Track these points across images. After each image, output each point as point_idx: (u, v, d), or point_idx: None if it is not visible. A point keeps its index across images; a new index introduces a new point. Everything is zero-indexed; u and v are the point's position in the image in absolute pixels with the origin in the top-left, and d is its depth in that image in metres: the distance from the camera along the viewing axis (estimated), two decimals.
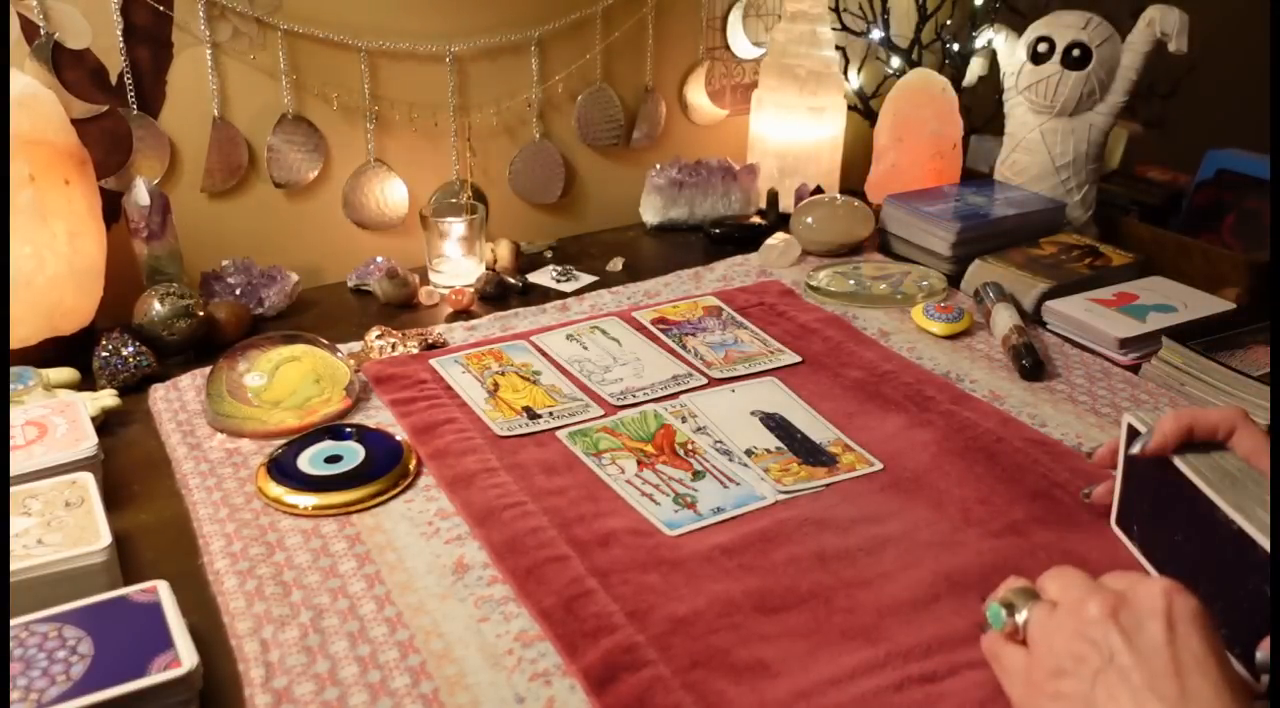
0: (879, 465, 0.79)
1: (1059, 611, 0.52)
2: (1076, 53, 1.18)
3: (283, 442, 0.80)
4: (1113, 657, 0.48)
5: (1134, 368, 0.96)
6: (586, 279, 1.15)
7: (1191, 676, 0.46)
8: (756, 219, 1.28)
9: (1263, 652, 0.52)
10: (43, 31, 0.97)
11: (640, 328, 1.01)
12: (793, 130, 1.31)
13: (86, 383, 0.89)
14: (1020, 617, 0.54)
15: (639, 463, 0.79)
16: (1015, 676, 0.53)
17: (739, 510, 0.74)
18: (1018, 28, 1.27)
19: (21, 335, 0.88)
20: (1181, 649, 0.47)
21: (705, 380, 0.92)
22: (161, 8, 1.01)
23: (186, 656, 0.55)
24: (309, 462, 0.77)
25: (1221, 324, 0.99)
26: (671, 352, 0.97)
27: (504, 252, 1.16)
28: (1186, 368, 0.91)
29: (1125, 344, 0.97)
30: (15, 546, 0.62)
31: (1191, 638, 0.47)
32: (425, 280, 1.12)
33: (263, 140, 1.11)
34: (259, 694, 0.57)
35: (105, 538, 0.63)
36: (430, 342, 0.97)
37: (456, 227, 1.11)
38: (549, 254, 1.22)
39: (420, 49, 1.15)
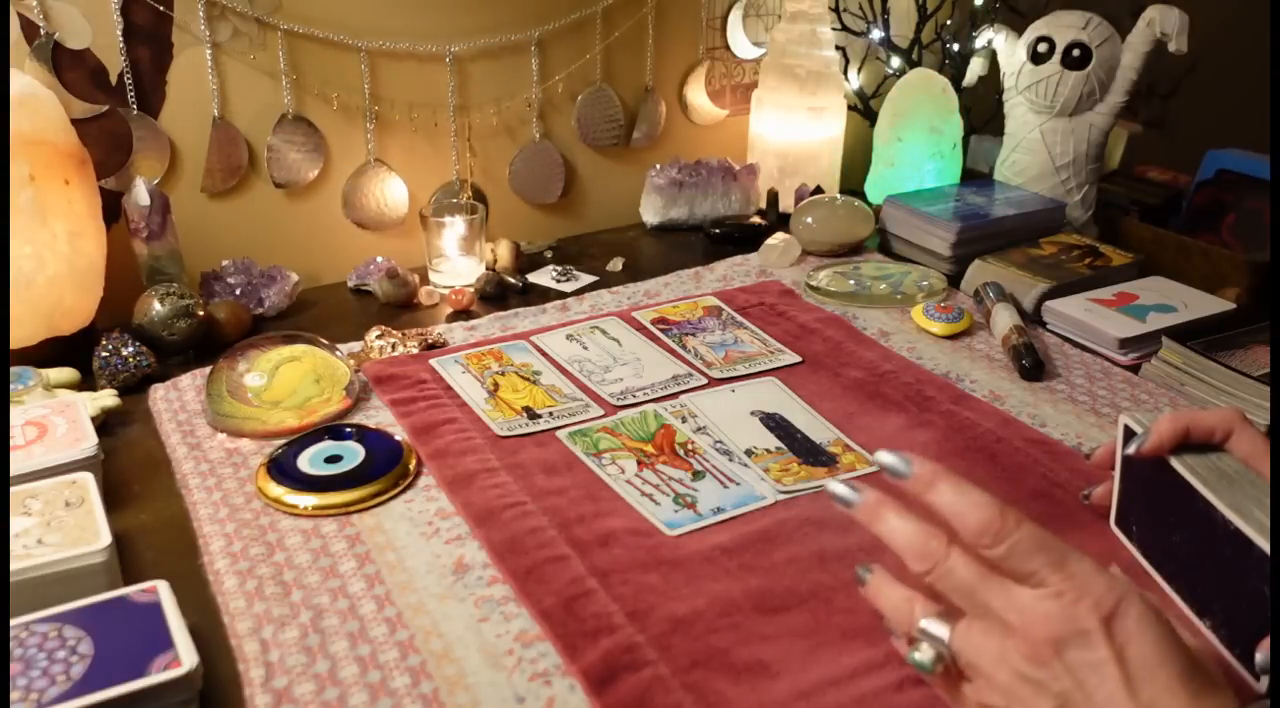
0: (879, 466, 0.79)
1: (986, 641, 0.49)
2: (1076, 53, 1.18)
3: (283, 442, 0.80)
4: (1066, 699, 0.46)
5: (1134, 368, 0.96)
6: (586, 279, 1.15)
7: (1143, 688, 0.45)
8: (756, 219, 1.28)
9: (1262, 652, 0.52)
10: (43, 31, 0.97)
11: (640, 328, 1.01)
12: (793, 130, 1.31)
13: (86, 383, 0.89)
14: (942, 649, 0.50)
15: (639, 463, 0.79)
16: None
17: (739, 510, 0.74)
18: (1018, 28, 1.27)
19: (21, 335, 0.88)
20: (1131, 665, 0.45)
21: (705, 380, 0.92)
22: (161, 8, 1.01)
23: (186, 656, 0.54)
24: (309, 462, 0.77)
25: (1221, 324, 0.99)
26: (671, 352, 0.97)
27: (504, 252, 1.16)
28: (1186, 368, 0.91)
29: (1125, 344, 0.97)
30: (15, 546, 0.62)
31: (1138, 646, 0.46)
32: (425, 280, 1.12)
33: (263, 140, 1.11)
34: (259, 694, 0.57)
35: (105, 538, 0.63)
36: (430, 342, 0.97)
37: (456, 227, 1.11)
38: (549, 254, 1.22)
39: (420, 49, 1.15)
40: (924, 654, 0.51)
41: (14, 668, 0.53)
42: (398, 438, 0.81)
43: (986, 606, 0.49)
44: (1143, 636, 0.46)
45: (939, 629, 0.51)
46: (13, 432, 0.74)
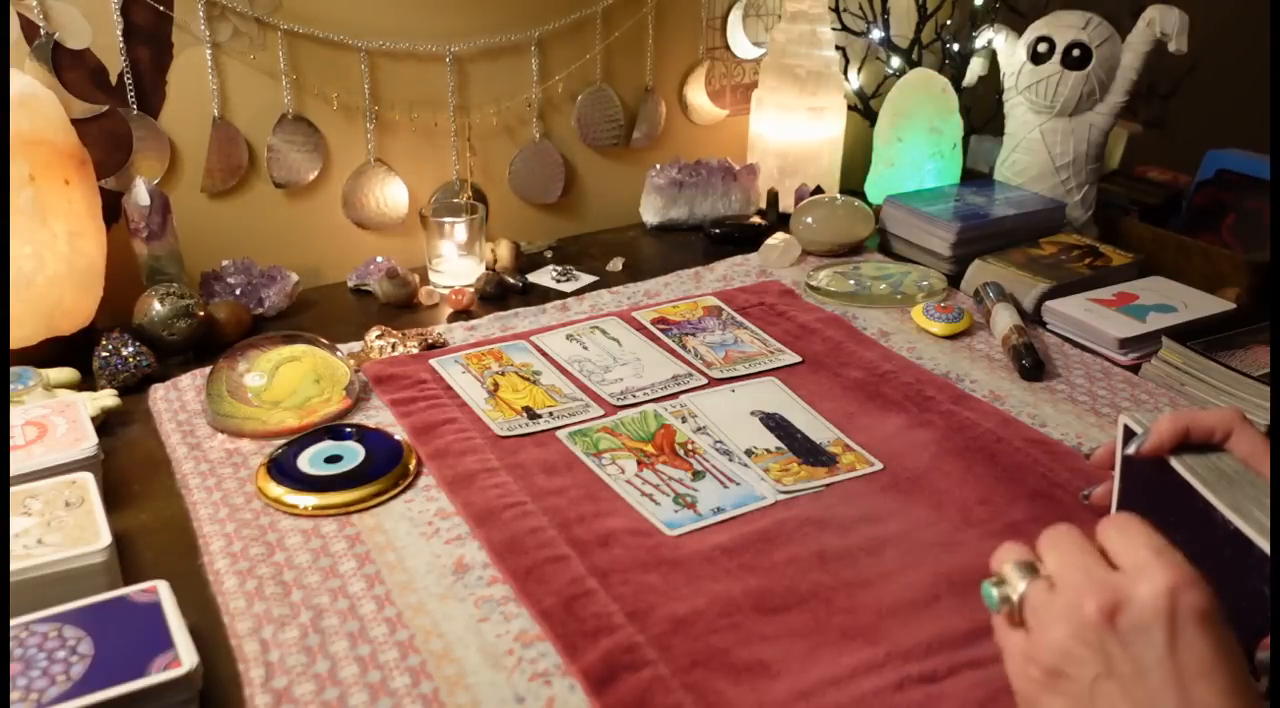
0: (879, 466, 0.79)
1: (1056, 598, 0.50)
2: (1076, 53, 1.18)
3: (283, 442, 0.80)
4: (1111, 666, 0.47)
5: (1134, 368, 0.96)
6: (586, 279, 1.15)
7: (1195, 685, 0.45)
8: (756, 219, 1.28)
9: (1262, 652, 0.52)
10: (43, 31, 0.97)
11: (640, 328, 1.01)
12: (793, 130, 1.31)
13: (86, 383, 0.89)
14: (1015, 595, 0.51)
15: (639, 463, 0.79)
16: (1015, 659, 0.51)
17: (739, 510, 0.74)
18: (1018, 28, 1.27)
19: (21, 335, 0.88)
20: (1185, 657, 0.45)
21: (705, 380, 0.92)
22: (161, 8, 1.01)
23: (186, 656, 0.55)
24: (309, 462, 0.77)
25: (1221, 324, 0.99)
26: (671, 352, 0.97)
27: (504, 252, 1.16)
28: (1186, 368, 0.91)
29: (1125, 344, 0.97)
30: (15, 546, 0.62)
31: (1197, 643, 0.45)
32: (425, 280, 1.12)
33: (263, 140, 1.11)
34: (259, 694, 0.58)
35: (105, 538, 0.63)
36: (430, 342, 0.97)
37: (456, 227, 1.11)
38: (549, 254, 1.22)
39: (420, 49, 1.15)
40: (994, 591, 0.52)
41: (14, 668, 0.53)
42: (398, 438, 0.81)
43: (1070, 570, 0.50)
44: (1199, 634, 0.46)
45: (1020, 576, 0.52)
46: (13, 432, 0.74)
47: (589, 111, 1.28)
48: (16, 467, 0.71)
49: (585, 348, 0.97)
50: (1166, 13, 1.14)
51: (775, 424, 0.85)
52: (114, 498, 0.75)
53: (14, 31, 0.96)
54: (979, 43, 1.40)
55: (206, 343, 0.96)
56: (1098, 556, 0.50)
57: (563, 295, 1.11)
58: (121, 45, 1.01)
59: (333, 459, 0.77)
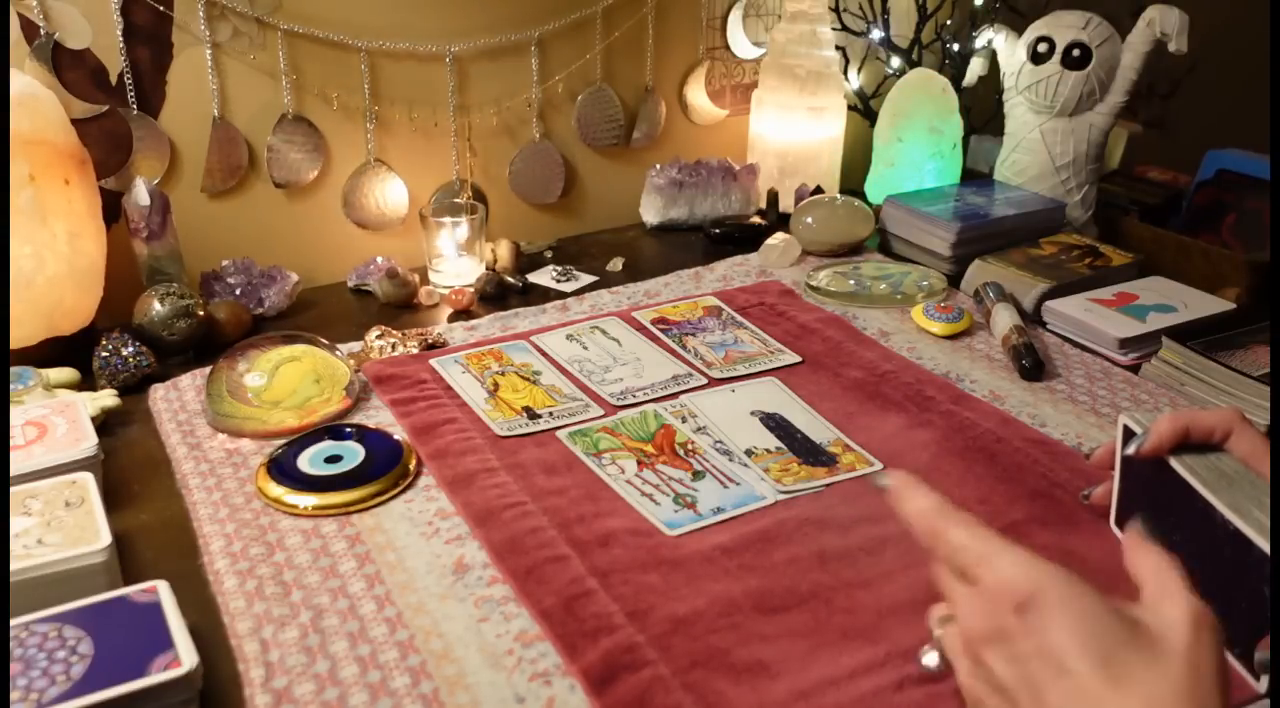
0: (879, 466, 0.79)
1: (955, 640, 0.51)
2: (1076, 53, 1.18)
3: (283, 442, 0.80)
4: (1012, 697, 0.47)
5: (1134, 368, 0.96)
6: (586, 279, 1.15)
7: (1060, 679, 0.44)
8: (756, 219, 1.28)
9: (1262, 652, 0.52)
10: (43, 31, 0.97)
11: (640, 328, 1.01)
12: (793, 130, 1.31)
13: (86, 383, 0.89)
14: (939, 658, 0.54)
15: (639, 463, 0.79)
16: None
17: (739, 510, 0.74)
18: (1018, 28, 1.27)
19: (21, 335, 0.88)
20: (1051, 657, 0.45)
21: (705, 380, 0.92)
22: (161, 8, 1.01)
23: (186, 656, 0.55)
24: (309, 462, 0.77)
25: (1221, 324, 0.99)
26: (671, 352, 0.97)
27: (504, 252, 1.16)
28: (1186, 368, 0.91)
29: (1125, 344, 0.97)
30: (15, 546, 0.62)
31: (1056, 632, 0.45)
32: (425, 280, 1.12)
33: (263, 140, 1.11)
34: (259, 694, 0.58)
35: (105, 538, 0.63)
36: (430, 342, 0.97)
37: (456, 227, 1.11)
38: (549, 254, 1.23)
39: (420, 49, 1.15)
40: (928, 659, 0.55)
41: (14, 668, 0.53)
42: (398, 438, 0.81)
43: (953, 605, 0.52)
44: (1057, 622, 0.45)
45: (937, 626, 0.54)
46: (13, 432, 0.74)
47: (589, 111, 1.28)
48: (16, 467, 0.71)
49: (585, 348, 0.97)
50: (1166, 13, 1.14)
51: (775, 424, 0.85)
52: (114, 498, 0.75)
53: (14, 31, 0.96)
54: (979, 43, 1.40)
55: (206, 343, 0.96)
56: (951, 580, 0.52)
57: (563, 295, 1.11)
58: (121, 45, 1.01)
59: (333, 459, 0.77)
